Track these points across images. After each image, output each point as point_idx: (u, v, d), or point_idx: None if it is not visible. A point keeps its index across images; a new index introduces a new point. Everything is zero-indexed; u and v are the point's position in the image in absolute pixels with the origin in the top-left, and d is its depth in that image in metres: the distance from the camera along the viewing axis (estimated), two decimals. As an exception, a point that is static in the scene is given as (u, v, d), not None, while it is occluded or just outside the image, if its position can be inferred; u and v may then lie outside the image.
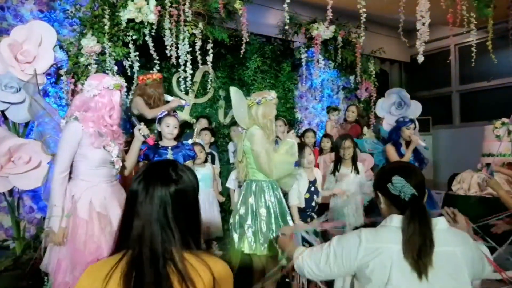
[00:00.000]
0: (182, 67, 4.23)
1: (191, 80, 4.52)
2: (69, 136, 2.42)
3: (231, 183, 4.17)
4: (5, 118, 3.48)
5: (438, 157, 7.95)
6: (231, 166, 4.71)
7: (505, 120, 5.00)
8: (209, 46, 4.38)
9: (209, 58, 4.40)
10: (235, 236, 2.96)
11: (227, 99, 5.20)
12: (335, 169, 3.85)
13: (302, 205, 3.39)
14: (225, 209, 4.44)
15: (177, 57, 4.18)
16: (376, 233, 1.50)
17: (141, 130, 2.87)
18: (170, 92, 4.74)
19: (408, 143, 4.09)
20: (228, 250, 3.21)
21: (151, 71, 4.15)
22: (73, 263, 2.32)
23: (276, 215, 2.95)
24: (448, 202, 5.13)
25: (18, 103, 3.36)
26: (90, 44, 3.76)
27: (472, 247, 1.52)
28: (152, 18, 3.93)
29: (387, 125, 5.53)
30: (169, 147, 3.43)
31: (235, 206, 3.17)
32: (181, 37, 4.14)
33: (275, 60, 5.83)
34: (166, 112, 3.49)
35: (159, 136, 3.51)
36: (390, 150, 4.13)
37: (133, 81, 4.15)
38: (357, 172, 3.88)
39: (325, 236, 2.79)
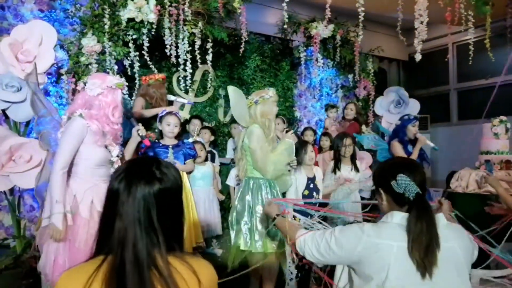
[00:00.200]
0: (182, 66, 4.24)
1: (191, 79, 4.54)
2: (73, 131, 2.40)
3: (231, 181, 4.19)
4: (6, 117, 3.49)
5: (436, 155, 7.98)
6: (230, 164, 4.73)
7: (503, 117, 5.03)
8: (209, 45, 4.41)
9: (209, 57, 4.42)
10: (232, 233, 3.01)
11: (227, 98, 5.20)
12: (336, 167, 3.86)
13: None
14: (225, 207, 4.46)
15: (177, 56, 4.20)
16: (378, 229, 1.50)
17: (139, 131, 2.94)
18: (170, 91, 4.76)
19: (413, 141, 4.09)
20: (228, 247, 3.22)
21: (154, 72, 4.17)
22: (72, 261, 2.31)
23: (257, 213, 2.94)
24: (446, 199, 5.15)
25: (19, 102, 3.37)
26: (90, 43, 3.78)
27: (466, 239, 1.53)
28: (152, 17, 3.94)
29: (386, 123, 5.56)
30: (170, 146, 3.46)
31: (233, 203, 3.19)
32: (180, 36, 4.16)
33: (274, 59, 5.85)
34: (167, 111, 3.51)
35: (160, 134, 3.53)
36: (397, 147, 4.09)
37: (135, 81, 4.17)
38: (357, 170, 3.91)
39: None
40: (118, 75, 3.98)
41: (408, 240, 1.42)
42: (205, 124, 4.87)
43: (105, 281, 1.04)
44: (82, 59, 3.86)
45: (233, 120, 5.01)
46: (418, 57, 3.85)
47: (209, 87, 5.25)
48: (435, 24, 4.97)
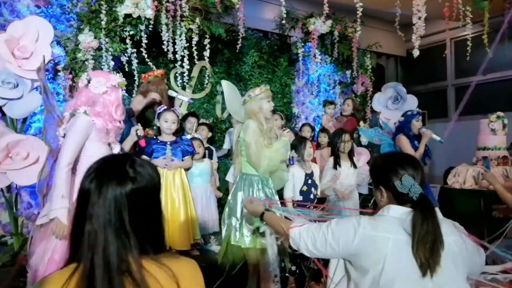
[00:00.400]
0: (179, 63, 4.23)
1: (188, 75, 4.52)
2: (79, 127, 2.42)
3: (230, 177, 4.19)
4: (3, 114, 3.47)
5: (433, 151, 7.99)
6: (228, 160, 4.73)
7: (500, 113, 5.04)
8: (206, 41, 4.39)
9: (206, 53, 4.41)
10: (223, 228, 3.06)
11: (224, 95, 5.21)
12: (336, 163, 3.86)
13: (296, 198, 3.42)
14: (223, 204, 4.45)
15: (174, 53, 4.18)
16: (374, 222, 1.50)
17: (138, 131, 3.01)
18: (168, 87, 4.74)
19: (417, 136, 4.10)
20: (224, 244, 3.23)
21: (153, 68, 4.16)
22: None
23: None
24: (444, 195, 5.17)
25: (15, 99, 3.36)
26: (87, 39, 3.76)
27: (458, 232, 1.53)
28: (149, 13, 3.92)
29: (384, 119, 5.56)
30: (168, 143, 3.45)
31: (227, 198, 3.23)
32: (178, 32, 4.15)
33: (272, 55, 5.84)
34: (165, 107, 3.51)
35: (158, 131, 3.52)
36: (404, 141, 4.08)
37: (133, 78, 4.15)
38: (355, 166, 3.92)
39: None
40: (115, 71, 3.98)
41: (412, 239, 1.41)
42: (202, 120, 4.86)
43: None
44: (79, 55, 3.84)
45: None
46: (416, 52, 3.85)
47: (207, 84, 5.23)
48: (433, 19, 4.96)
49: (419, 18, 3.71)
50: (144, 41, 4.03)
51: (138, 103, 3.78)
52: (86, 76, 2.55)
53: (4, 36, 3.31)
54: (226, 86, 3.23)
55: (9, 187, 3.52)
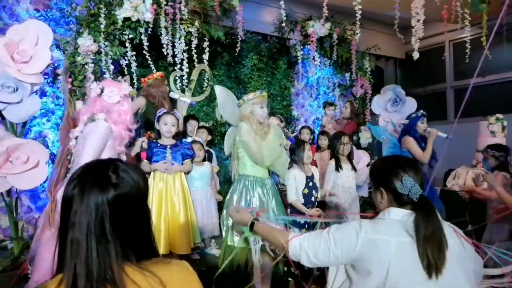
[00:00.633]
0: (179, 66, 4.24)
1: (188, 78, 4.53)
2: (101, 132, 2.50)
3: None
4: (3, 118, 3.47)
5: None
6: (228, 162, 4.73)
7: (500, 115, 5.05)
8: (205, 44, 4.40)
9: (206, 56, 4.42)
10: (223, 229, 3.11)
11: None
12: (337, 166, 3.86)
13: (301, 201, 3.42)
14: (223, 207, 4.45)
15: (174, 56, 4.19)
16: (375, 225, 1.49)
17: (143, 143, 3.14)
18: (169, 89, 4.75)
19: (423, 138, 4.10)
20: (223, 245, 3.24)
21: (153, 71, 4.18)
22: None
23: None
24: (443, 197, 5.17)
25: (15, 103, 3.36)
26: (86, 43, 3.76)
27: (456, 235, 1.52)
28: (148, 16, 3.93)
29: (383, 122, 5.56)
30: (168, 146, 3.44)
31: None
32: (177, 35, 4.15)
33: (271, 58, 5.86)
34: (165, 110, 3.51)
35: (158, 134, 3.52)
36: (411, 142, 4.08)
37: (132, 81, 4.15)
38: (355, 169, 3.92)
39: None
40: (114, 74, 3.99)
41: (417, 241, 1.40)
42: (202, 123, 4.86)
43: None
44: (78, 58, 3.83)
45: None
46: (416, 55, 3.86)
47: (206, 86, 5.24)
48: (431, 22, 4.97)
49: (418, 20, 3.71)
50: (146, 44, 4.04)
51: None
52: (99, 86, 2.63)
53: (4, 40, 3.31)
54: (220, 91, 3.30)
55: (9, 191, 3.52)
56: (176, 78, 4.64)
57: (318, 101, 6.42)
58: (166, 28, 4.06)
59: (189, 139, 3.94)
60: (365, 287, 1.45)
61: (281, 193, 3.58)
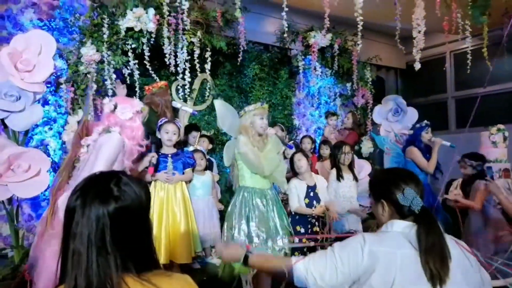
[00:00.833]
0: (181, 75, 4.26)
1: (190, 88, 4.55)
2: (116, 144, 2.57)
3: None
4: (5, 126, 3.48)
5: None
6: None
7: (501, 126, 5.05)
8: (208, 54, 4.43)
9: (208, 66, 4.45)
10: (224, 240, 3.11)
11: (226, 107, 5.23)
12: (339, 175, 3.87)
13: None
14: (224, 217, 4.44)
15: (176, 65, 4.21)
16: (379, 238, 1.48)
17: (153, 158, 3.18)
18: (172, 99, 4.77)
19: (428, 147, 4.10)
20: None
21: (156, 80, 4.20)
22: None
23: (249, 221, 3.03)
24: (445, 208, 5.15)
25: (17, 112, 3.37)
26: (89, 52, 3.79)
27: (459, 247, 1.50)
28: (151, 27, 3.97)
29: (384, 132, 5.57)
30: (169, 155, 3.45)
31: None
32: (179, 45, 4.18)
33: (273, 68, 5.88)
34: (166, 119, 3.52)
35: (160, 143, 3.53)
36: (416, 152, 4.09)
37: (134, 89, 4.18)
38: (356, 179, 3.92)
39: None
40: (116, 83, 4.02)
41: (420, 252, 1.40)
42: (203, 132, 4.87)
43: None
44: (81, 68, 3.87)
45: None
46: (417, 66, 3.87)
47: (208, 96, 5.26)
48: (432, 32, 5.00)
49: (419, 31, 3.73)
50: (148, 54, 4.06)
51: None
52: (112, 102, 2.72)
53: (7, 49, 3.34)
54: (219, 105, 3.35)
55: (10, 200, 3.51)
56: (178, 87, 4.67)
57: (320, 111, 6.43)
58: (168, 38, 4.08)
59: (190, 148, 3.94)
60: None
61: (283, 202, 3.59)
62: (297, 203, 3.46)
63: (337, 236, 2.66)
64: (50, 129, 4.05)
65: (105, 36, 3.87)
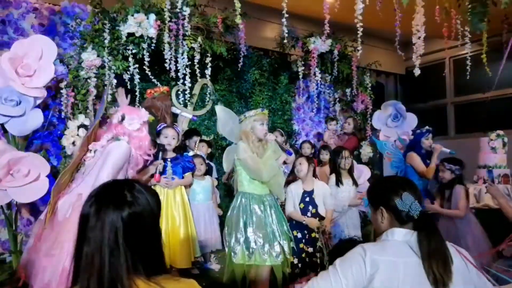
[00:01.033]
0: (181, 80, 4.27)
1: (190, 93, 4.56)
2: (124, 152, 2.62)
3: None
4: (5, 131, 3.48)
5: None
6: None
7: (500, 132, 5.06)
8: (208, 59, 4.44)
9: (208, 71, 4.46)
10: (226, 244, 3.13)
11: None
12: (338, 181, 3.87)
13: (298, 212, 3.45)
14: (224, 222, 4.44)
15: (176, 71, 4.22)
16: (380, 247, 1.48)
17: (160, 165, 3.22)
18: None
19: (428, 153, 4.11)
20: (225, 262, 3.24)
21: (158, 85, 4.22)
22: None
23: (246, 227, 3.04)
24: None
25: (17, 116, 3.37)
26: (90, 57, 3.80)
27: (459, 255, 1.50)
28: (152, 32, 3.98)
29: (383, 137, 5.57)
30: (168, 159, 3.45)
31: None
32: (180, 51, 4.19)
33: (273, 73, 5.90)
34: (165, 124, 3.53)
35: (154, 143, 3.53)
36: (416, 158, 4.10)
37: (134, 94, 4.18)
38: (356, 184, 3.92)
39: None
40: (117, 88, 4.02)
41: (422, 258, 1.40)
42: (202, 137, 4.87)
43: None
44: (82, 73, 3.88)
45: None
46: (417, 72, 3.88)
47: (208, 101, 5.27)
48: (432, 38, 5.00)
49: (419, 38, 3.74)
50: (148, 59, 4.07)
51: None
52: (120, 113, 2.76)
53: (8, 54, 3.34)
54: (220, 110, 3.36)
55: (9, 204, 3.51)
56: (178, 92, 4.68)
57: (319, 116, 6.45)
58: (169, 43, 4.10)
59: (190, 153, 3.94)
60: None
61: (281, 206, 3.60)
62: (292, 207, 3.47)
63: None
64: (50, 134, 4.05)
65: (106, 41, 3.88)
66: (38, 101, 3.45)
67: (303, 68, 5.58)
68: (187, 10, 4.09)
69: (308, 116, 6.43)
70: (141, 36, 3.99)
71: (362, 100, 5.96)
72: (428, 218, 1.50)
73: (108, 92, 3.51)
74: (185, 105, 5.05)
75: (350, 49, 5.61)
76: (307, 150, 4.89)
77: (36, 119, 3.45)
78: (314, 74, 5.41)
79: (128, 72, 4.10)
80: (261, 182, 3.14)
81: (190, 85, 4.41)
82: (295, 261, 3.37)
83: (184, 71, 4.25)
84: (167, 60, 4.14)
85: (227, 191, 4.99)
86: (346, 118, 5.67)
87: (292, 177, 3.72)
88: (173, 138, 3.47)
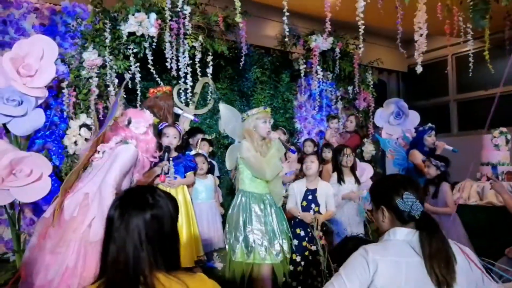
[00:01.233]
0: (183, 79, 4.26)
1: (191, 91, 4.55)
2: (132, 155, 2.65)
3: None
4: (7, 131, 3.49)
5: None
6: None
7: (503, 129, 5.03)
8: (209, 58, 4.43)
9: (209, 70, 4.44)
10: (227, 242, 3.16)
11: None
12: (340, 179, 3.86)
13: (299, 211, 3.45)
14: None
15: (178, 69, 4.22)
16: (382, 247, 1.48)
17: (165, 167, 3.23)
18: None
19: (432, 150, 4.09)
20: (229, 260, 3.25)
21: (160, 84, 4.23)
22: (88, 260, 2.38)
23: (246, 225, 3.05)
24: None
25: (19, 116, 3.37)
26: (91, 57, 3.80)
27: (463, 254, 1.49)
28: (153, 31, 3.97)
29: (386, 135, 5.56)
30: (170, 158, 3.45)
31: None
32: (181, 49, 4.18)
33: (274, 71, 5.89)
34: (167, 124, 3.53)
35: (159, 145, 3.54)
36: (417, 155, 4.10)
37: (135, 93, 4.19)
38: (358, 181, 3.91)
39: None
40: (119, 87, 4.02)
41: (424, 259, 1.39)
42: (204, 136, 4.87)
43: None
44: (83, 72, 3.88)
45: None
46: (419, 69, 3.86)
47: (210, 100, 5.26)
48: (434, 36, 4.98)
49: (421, 35, 3.73)
50: (151, 58, 4.07)
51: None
52: (126, 117, 2.80)
53: (10, 54, 3.34)
54: (224, 109, 3.35)
55: (12, 204, 3.51)
56: (180, 91, 4.67)
57: (321, 114, 6.43)
58: (170, 42, 4.09)
59: (192, 152, 3.94)
60: None
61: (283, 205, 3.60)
62: (292, 204, 3.48)
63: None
64: (52, 133, 4.06)
65: (107, 40, 3.88)
66: (40, 101, 3.45)
67: (304, 66, 5.56)
68: (187, 9, 4.08)
69: (310, 114, 6.41)
70: (142, 35, 3.99)
71: (364, 98, 5.94)
72: (430, 218, 1.49)
73: (121, 94, 3.52)
74: (187, 104, 5.05)
75: (351, 47, 5.60)
76: (309, 148, 4.88)
77: (38, 119, 3.45)
78: (316, 72, 5.40)
79: (129, 71, 4.10)
80: (265, 181, 3.15)
81: (191, 84, 4.40)
82: (298, 259, 3.37)
83: (185, 70, 4.24)
84: (168, 59, 4.13)
85: (229, 190, 5.00)
86: (348, 116, 5.66)
87: (300, 175, 3.73)
88: (174, 137, 3.47)
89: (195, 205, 3.59)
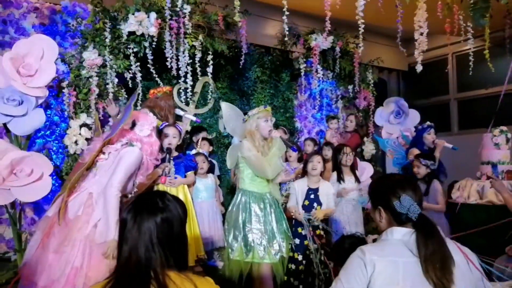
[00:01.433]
0: (183, 79, 4.26)
1: (192, 91, 4.55)
2: (136, 158, 2.66)
3: None
4: (7, 130, 3.49)
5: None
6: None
7: (504, 128, 5.03)
8: (209, 57, 4.43)
9: (209, 69, 4.44)
10: (226, 242, 3.17)
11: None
12: (339, 177, 3.87)
13: (300, 212, 3.44)
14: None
15: (178, 69, 4.22)
16: (379, 247, 1.48)
17: (167, 168, 3.25)
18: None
19: (431, 150, 4.09)
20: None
21: (160, 84, 4.23)
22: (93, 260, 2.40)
23: (245, 224, 3.07)
24: (448, 209, 5.13)
25: (20, 116, 3.38)
26: (91, 57, 3.80)
27: (462, 254, 1.50)
28: (153, 31, 3.98)
29: (386, 134, 5.56)
30: (171, 158, 3.45)
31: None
32: (181, 49, 4.18)
33: (275, 70, 5.89)
34: (167, 123, 3.53)
35: (161, 147, 3.53)
36: (416, 153, 4.10)
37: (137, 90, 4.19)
38: (358, 180, 3.91)
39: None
40: (119, 87, 4.02)
41: (420, 261, 1.39)
42: (204, 135, 4.87)
43: None
44: (83, 72, 3.88)
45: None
46: (419, 68, 3.86)
47: (210, 99, 5.27)
48: (434, 34, 4.98)
49: (421, 34, 3.72)
50: (151, 57, 4.07)
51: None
52: (131, 119, 2.81)
53: (10, 54, 3.34)
54: (225, 107, 3.35)
55: (13, 204, 3.52)
56: (180, 90, 4.67)
57: (321, 113, 6.43)
58: (170, 42, 4.09)
59: (193, 151, 3.95)
60: None
61: (283, 204, 3.61)
62: (293, 203, 3.49)
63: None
64: (53, 133, 4.06)
65: (107, 40, 3.88)
66: (40, 101, 3.46)
67: (304, 65, 5.56)
68: (187, 8, 4.08)
69: (310, 113, 6.41)
70: (142, 35, 3.99)
71: (365, 96, 5.94)
72: (427, 220, 1.48)
73: (135, 99, 3.51)
74: (187, 104, 5.05)
75: (352, 46, 5.59)
76: (309, 147, 4.88)
77: (38, 118, 3.46)
78: (316, 71, 5.40)
79: (129, 70, 4.10)
80: (266, 180, 3.15)
81: (191, 83, 4.40)
82: (300, 257, 3.38)
83: (186, 69, 4.24)
84: (168, 59, 4.13)
85: (229, 189, 5.00)
86: (347, 115, 5.66)
87: (300, 174, 3.73)
88: (174, 137, 3.45)
89: (196, 204, 3.59)
